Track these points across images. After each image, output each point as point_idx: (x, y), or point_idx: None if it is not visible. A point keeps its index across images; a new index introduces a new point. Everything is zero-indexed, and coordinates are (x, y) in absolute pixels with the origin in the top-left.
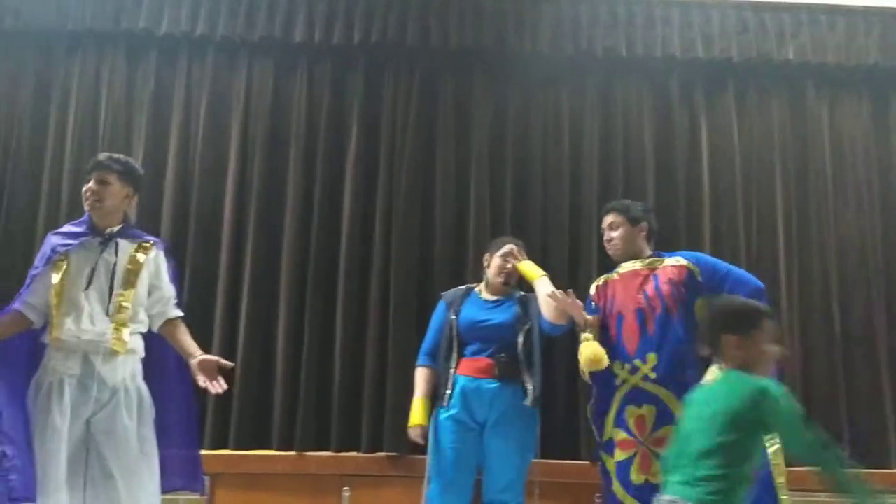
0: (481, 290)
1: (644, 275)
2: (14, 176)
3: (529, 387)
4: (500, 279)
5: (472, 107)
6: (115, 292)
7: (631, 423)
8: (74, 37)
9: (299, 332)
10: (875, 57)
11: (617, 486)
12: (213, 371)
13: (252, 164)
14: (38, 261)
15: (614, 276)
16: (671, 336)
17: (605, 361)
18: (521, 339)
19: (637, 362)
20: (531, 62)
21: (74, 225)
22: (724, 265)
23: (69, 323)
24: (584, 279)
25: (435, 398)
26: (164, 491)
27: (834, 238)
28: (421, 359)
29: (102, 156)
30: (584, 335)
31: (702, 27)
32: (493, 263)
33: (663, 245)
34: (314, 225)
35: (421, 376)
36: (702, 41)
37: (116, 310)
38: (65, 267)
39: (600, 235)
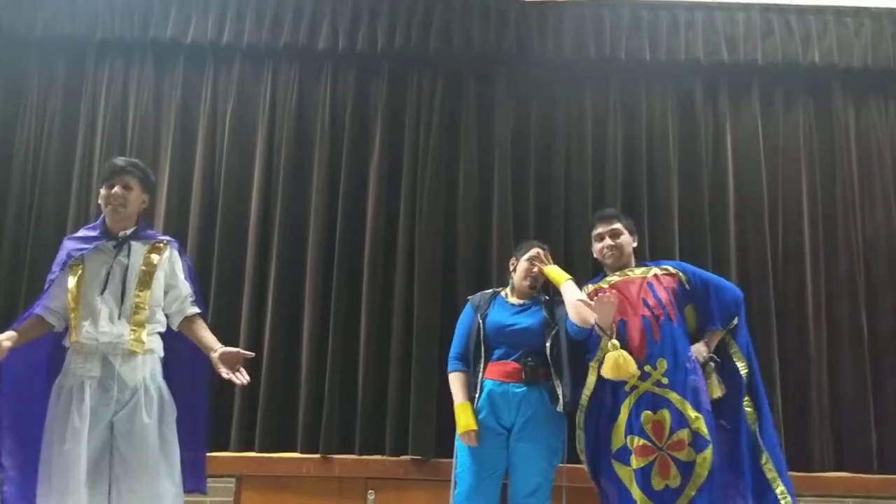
0: (507, 294)
1: (638, 283)
2: (44, 182)
3: (559, 392)
4: (527, 283)
5: (496, 112)
6: (130, 294)
7: (648, 428)
8: (103, 45)
9: (324, 335)
10: None
11: (638, 494)
12: (235, 362)
13: (277, 169)
14: (55, 266)
15: (604, 285)
16: (676, 342)
17: (634, 369)
18: (548, 344)
19: (648, 368)
20: (554, 67)
21: (89, 229)
22: (707, 274)
23: (87, 326)
24: None
25: None
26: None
27: (861, 242)
28: (453, 364)
29: (122, 161)
30: (612, 342)
31: (726, 30)
32: (520, 267)
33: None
34: (338, 230)
35: (458, 381)
36: (726, 44)
37: (133, 311)
38: (80, 271)
39: None
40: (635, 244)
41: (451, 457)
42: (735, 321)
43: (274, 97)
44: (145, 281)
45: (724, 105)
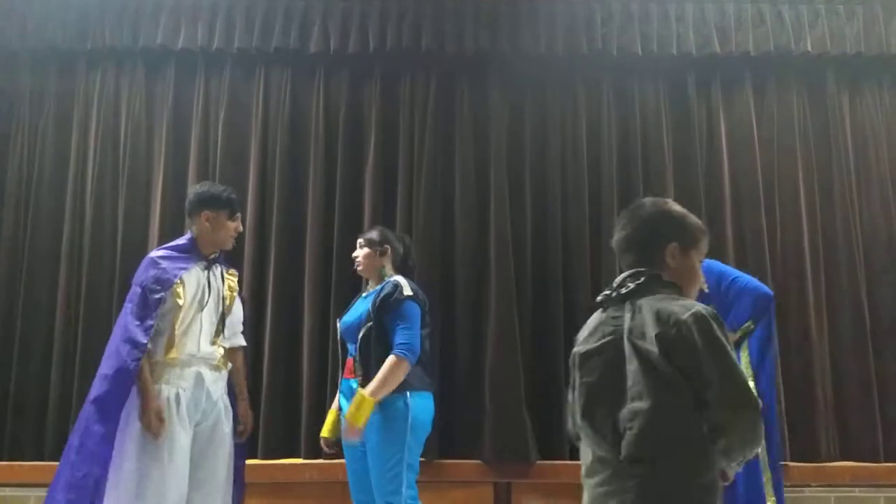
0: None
1: None
2: (38, 192)
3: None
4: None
5: (490, 110)
6: (221, 313)
7: None
8: (94, 55)
9: (324, 340)
10: (895, 46)
11: None
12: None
13: (272, 174)
14: (153, 283)
15: None
16: None
17: None
18: (360, 336)
19: None
20: (547, 63)
21: (176, 250)
22: (732, 272)
23: (188, 343)
24: (607, 276)
25: None
26: None
27: (860, 229)
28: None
29: (234, 193)
30: None
31: (717, 22)
32: None
33: None
34: (336, 234)
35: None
36: (718, 36)
37: (221, 330)
38: (182, 290)
39: None
40: None
41: (455, 458)
42: (749, 325)
43: (266, 101)
44: (229, 303)
45: (717, 97)
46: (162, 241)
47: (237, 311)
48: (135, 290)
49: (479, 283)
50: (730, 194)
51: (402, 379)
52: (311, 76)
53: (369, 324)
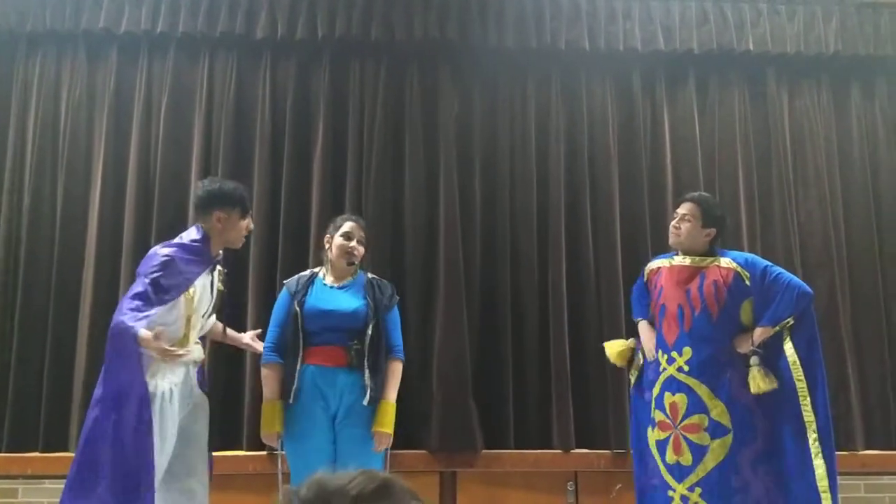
0: (325, 275)
1: (691, 271)
2: None
3: (367, 383)
4: (344, 260)
5: (440, 99)
6: (211, 312)
7: (667, 406)
8: (34, 37)
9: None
10: (834, 46)
11: (659, 461)
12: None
13: (216, 160)
14: (166, 281)
15: (667, 264)
16: (706, 335)
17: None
18: (369, 333)
19: (674, 353)
20: (496, 55)
21: (190, 251)
22: (774, 269)
23: (185, 346)
24: (553, 267)
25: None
26: None
27: (797, 222)
28: (267, 355)
29: (245, 190)
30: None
31: (662, 20)
32: (335, 244)
33: (631, 234)
34: (282, 222)
35: (272, 374)
36: (663, 34)
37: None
38: (193, 295)
39: (567, 225)
40: (709, 234)
41: (400, 448)
42: (789, 321)
43: (211, 87)
44: (218, 301)
45: (661, 92)
46: (101, 227)
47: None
48: (142, 281)
49: (427, 271)
50: (672, 187)
51: None
52: (258, 62)
53: (374, 322)
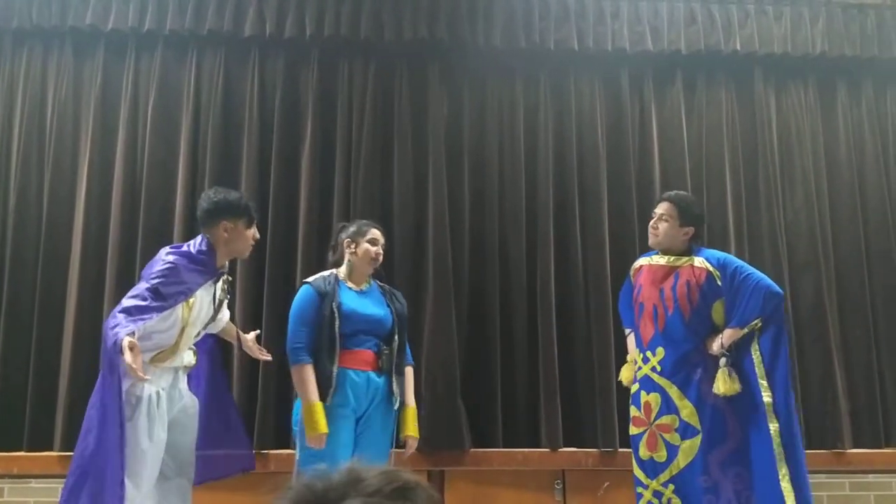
0: (345, 279)
1: (666, 271)
2: None
3: (394, 388)
4: (370, 267)
5: (428, 99)
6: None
7: (642, 404)
8: (20, 34)
9: (256, 328)
10: (820, 46)
11: (634, 456)
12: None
13: (203, 160)
14: (169, 289)
15: (648, 262)
16: (677, 336)
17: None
18: (396, 339)
19: (649, 353)
20: (485, 55)
21: (196, 261)
22: (745, 269)
23: (177, 355)
24: (542, 267)
25: None
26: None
27: (783, 221)
28: (300, 355)
29: (251, 200)
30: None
31: (650, 20)
32: (362, 250)
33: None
34: (269, 224)
35: (310, 374)
36: (651, 34)
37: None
38: (193, 305)
39: (556, 224)
40: (687, 233)
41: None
42: (758, 322)
43: (199, 85)
44: (219, 307)
45: (649, 92)
46: (87, 225)
47: (225, 313)
48: (143, 285)
49: (415, 271)
50: (660, 187)
51: None
52: (246, 60)
53: (399, 329)
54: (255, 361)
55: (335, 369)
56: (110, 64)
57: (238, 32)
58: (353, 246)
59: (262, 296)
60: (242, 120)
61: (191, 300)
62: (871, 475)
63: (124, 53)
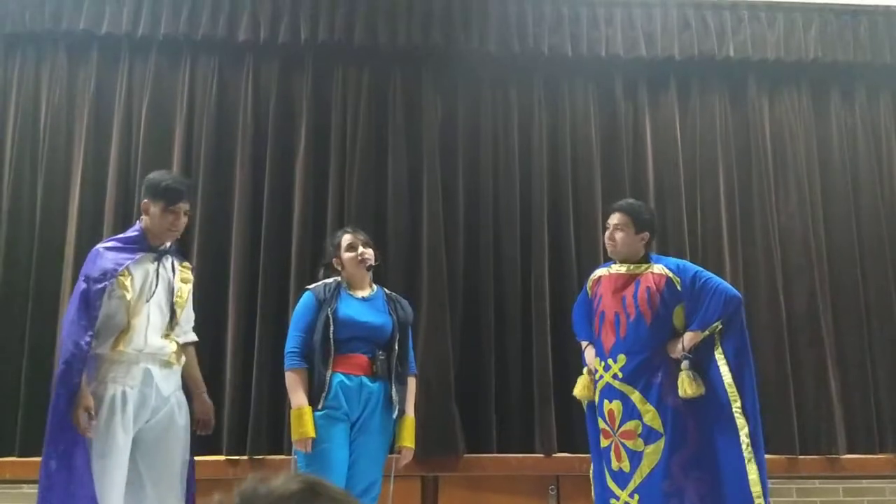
0: (348, 287)
1: (626, 279)
2: None
3: (394, 396)
4: (361, 269)
5: (423, 105)
6: (175, 307)
7: (606, 414)
8: (13, 38)
9: (250, 335)
10: (813, 52)
11: (605, 468)
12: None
13: (197, 166)
14: (96, 273)
15: (607, 272)
16: (639, 342)
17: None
18: (397, 347)
19: (610, 361)
20: (480, 61)
21: (123, 242)
22: (704, 274)
23: (135, 337)
24: (536, 272)
25: None
26: None
27: (777, 227)
28: (294, 359)
29: (182, 184)
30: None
31: (644, 26)
32: (346, 259)
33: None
34: (263, 229)
35: (300, 379)
36: (644, 40)
37: (174, 324)
38: (129, 282)
39: (550, 230)
40: (643, 239)
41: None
42: (718, 326)
43: (192, 90)
44: (183, 297)
45: (643, 98)
46: (80, 231)
47: (189, 306)
48: (79, 283)
49: (409, 276)
50: (654, 192)
51: None
52: (240, 66)
53: (399, 337)
54: (249, 366)
55: (329, 374)
56: (104, 69)
57: (232, 38)
58: (336, 261)
59: (255, 302)
60: (236, 125)
61: (126, 279)
62: (864, 481)
63: (118, 58)
